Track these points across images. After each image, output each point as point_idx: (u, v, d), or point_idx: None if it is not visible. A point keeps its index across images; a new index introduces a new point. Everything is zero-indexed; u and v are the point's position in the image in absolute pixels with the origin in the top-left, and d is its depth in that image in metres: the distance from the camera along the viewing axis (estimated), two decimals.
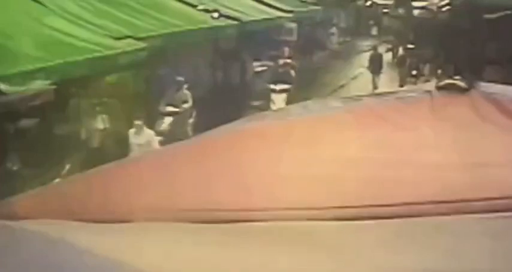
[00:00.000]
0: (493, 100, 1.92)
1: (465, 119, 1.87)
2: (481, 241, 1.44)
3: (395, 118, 1.92)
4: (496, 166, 1.70)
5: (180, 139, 2.39)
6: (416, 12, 24.73)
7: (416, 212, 1.54)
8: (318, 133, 1.91)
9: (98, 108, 10.54)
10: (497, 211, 1.52)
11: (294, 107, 2.28)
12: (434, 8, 22.71)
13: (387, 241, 1.47)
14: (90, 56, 8.96)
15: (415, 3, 24.41)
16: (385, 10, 35.98)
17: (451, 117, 1.88)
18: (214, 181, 1.78)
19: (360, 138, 1.86)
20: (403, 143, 1.82)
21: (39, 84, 7.86)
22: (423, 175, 1.67)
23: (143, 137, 9.83)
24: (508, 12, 13.82)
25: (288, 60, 19.21)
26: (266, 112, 2.30)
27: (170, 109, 12.69)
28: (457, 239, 1.46)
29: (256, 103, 16.28)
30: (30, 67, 7.83)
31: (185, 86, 13.24)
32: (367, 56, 31.63)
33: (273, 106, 15.17)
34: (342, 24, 34.93)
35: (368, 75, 26.74)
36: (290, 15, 20.52)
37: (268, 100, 16.26)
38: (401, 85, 21.40)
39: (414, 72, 21.95)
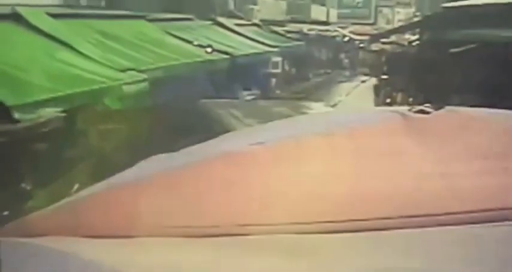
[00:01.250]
0: (459, 115, 1.90)
1: (437, 132, 1.85)
2: (454, 251, 1.40)
3: (376, 136, 1.90)
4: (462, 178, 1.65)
5: None
6: (389, 46, 24.83)
7: (401, 225, 1.51)
8: (305, 151, 1.89)
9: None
10: (469, 223, 1.47)
11: (268, 125, 2.25)
12: (405, 42, 22.80)
13: (372, 252, 1.45)
14: (96, 86, 8.99)
15: (387, 39, 24.52)
16: (361, 45, 36.14)
17: (425, 130, 1.86)
18: (208, 199, 1.76)
19: (340, 158, 1.83)
20: (384, 156, 1.79)
21: (50, 112, 7.87)
22: (406, 187, 1.63)
23: None
24: (471, 46, 13.90)
25: None
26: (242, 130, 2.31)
27: None
28: (436, 249, 1.41)
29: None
30: (42, 97, 7.84)
31: None
32: (345, 85, 31.73)
33: None
34: (323, 58, 35.09)
35: (345, 103, 26.76)
36: (276, 49, 20.63)
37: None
38: None
39: (388, 100, 22.02)
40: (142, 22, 13.68)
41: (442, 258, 1.36)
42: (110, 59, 10.19)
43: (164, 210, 1.74)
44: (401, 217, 1.53)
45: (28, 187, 8.61)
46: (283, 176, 1.80)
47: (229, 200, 1.75)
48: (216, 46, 14.83)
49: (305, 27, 32.22)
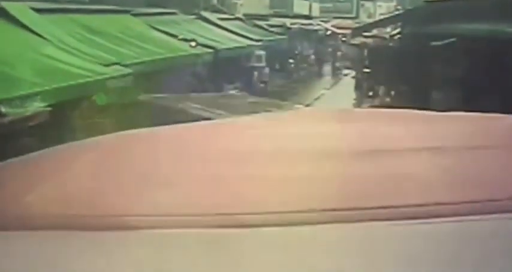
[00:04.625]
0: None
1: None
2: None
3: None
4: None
5: None
6: (370, 40, 24.89)
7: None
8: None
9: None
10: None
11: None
12: (387, 36, 22.85)
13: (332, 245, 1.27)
14: (81, 81, 9.00)
15: (369, 33, 24.58)
16: (344, 39, 36.23)
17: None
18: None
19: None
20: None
21: (36, 106, 7.88)
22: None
23: None
24: (452, 39, 13.97)
25: None
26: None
27: None
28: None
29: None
30: (29, 91, 7.85)
31: None
32: (328, 79, 31.81)
33: None
34: (305, 52, 35.13)
35: (328, 96, 26.84)
36: (259, 43, 20.67)
37: None
38: (359, 104, 21.57)
39: (370, 93, 22.12)
40: (127, 16, 13.67)
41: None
42: (95, 53, 10.19)
43: (56, 196, 1.46)
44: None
45: None
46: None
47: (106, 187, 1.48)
48: (200, 40, 14.84)
49: (288, 21, 32.24)
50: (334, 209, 1.32)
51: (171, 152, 1.60)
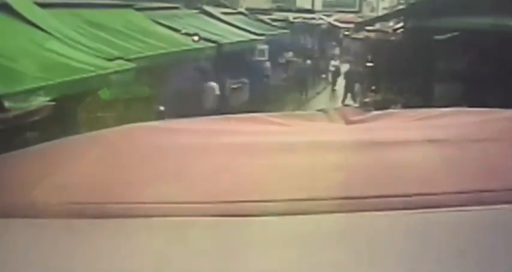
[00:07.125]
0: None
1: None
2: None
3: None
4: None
5: None
6: (373, 34, 24.85)
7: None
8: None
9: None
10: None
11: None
12: (389, 30, 22.82)
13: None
14: (85, 75, 9.00)
15: (372, 27, 24.54)
16: (346, 33, 36.16)
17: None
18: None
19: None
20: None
21: (40, 101, 7.89)
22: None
23: None
24: (455, 33, 13.96)
25: None
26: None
27: None
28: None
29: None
30: (32, 86, 7.85)
31: None
32: (330, 73, 31.66)
33: None
34: (309, 46, 35.06)
35: (330, 91, 26.80)
36: (262, 37, 20.65)
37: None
38: (362, 98, 21.59)
39: (373, 87, 22.09)
40: (130, 11, 13.68)
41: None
42: (99, 48, 10.19)
43: (58, 185, 1.48)
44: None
45: None
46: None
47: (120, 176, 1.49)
48: (203, 34, 14.83)
49: (290, 16, 32.19)
50: (336, 198, 1.34)
51: (177, 144, 1.62)
